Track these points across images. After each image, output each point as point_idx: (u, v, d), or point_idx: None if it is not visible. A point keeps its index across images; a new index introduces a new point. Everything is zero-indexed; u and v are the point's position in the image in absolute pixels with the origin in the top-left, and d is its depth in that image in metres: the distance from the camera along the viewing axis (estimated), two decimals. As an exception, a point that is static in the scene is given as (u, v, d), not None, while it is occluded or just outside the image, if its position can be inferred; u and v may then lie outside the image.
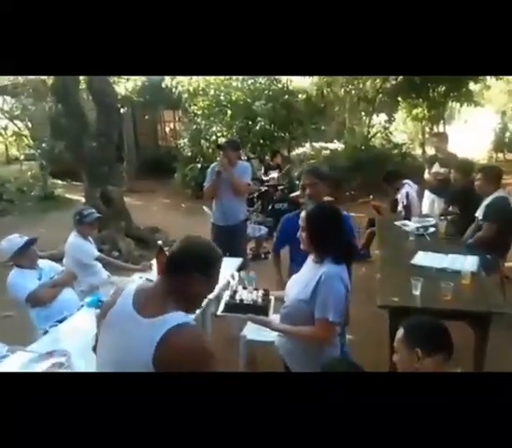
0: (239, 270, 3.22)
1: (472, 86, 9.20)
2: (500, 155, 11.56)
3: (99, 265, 3.25)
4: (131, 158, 10.23)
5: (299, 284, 1.81)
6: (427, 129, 9.37)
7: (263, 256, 5.12)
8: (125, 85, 9.02)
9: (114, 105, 5.79)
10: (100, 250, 3.78)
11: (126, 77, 9.08)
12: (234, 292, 1.83)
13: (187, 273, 1.27)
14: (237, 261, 3.37)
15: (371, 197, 5.19)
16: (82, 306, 2.66)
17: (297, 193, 6.28)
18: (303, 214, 1.81)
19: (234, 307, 1.76)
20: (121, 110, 8.21)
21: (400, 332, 1.50)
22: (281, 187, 6.62)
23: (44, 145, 8.89)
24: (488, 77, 9.07)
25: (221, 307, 1.96)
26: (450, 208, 4.01)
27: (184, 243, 1.33)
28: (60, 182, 9.35)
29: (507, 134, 12.04)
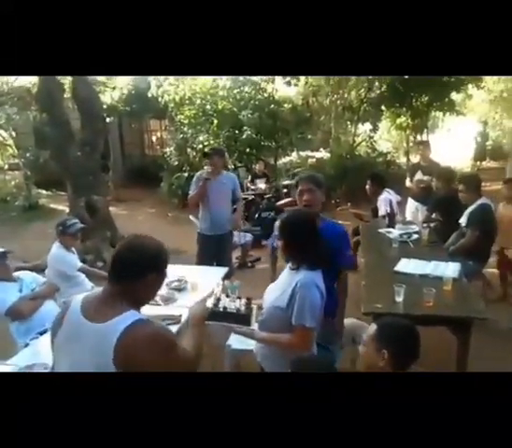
0: (225, 279, 3.22)
1: (454, 95, 9.44)
2: (482, 163, 11.81)
3: (82, 276, 3.22)
4: (117, 167, 10.19)
5: (275, 291, 1.84)
6: (411, 138, 9.54)
7: (249, 264, 5.12)
8: (111, 94, 9.02)
9: (99, 113, 5.79)
10: (84, 261, 3.74)
11: (112, 85, 9.10)
12: (218, 300, 1.84)
13: (144, 275, 1.28)
14: (223, 270, 3.37)
15: (349, 204, 5.24)
16: (64, 318, 2.61)
17: (284, 201, 6.32)
18: (277, 223, 1.83)
19: (218, 315, 1.76)
20: (108, 119, 8.21)
21: (372, 328, 1.53)
22: (268, 195, 6.66)
23: (28, 154, 8.81)
24: (470, 87, 9.31)
25: None
26: (433, 215, 4.07)
27: (133, 245, 1.32)
28: (44, 192, 9.24)
29: (489, 143, 12.34)
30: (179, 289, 2.82)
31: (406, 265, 2.95)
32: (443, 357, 2.53)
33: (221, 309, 1.76)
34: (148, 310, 1.78)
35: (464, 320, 2.38)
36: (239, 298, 1.87)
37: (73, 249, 3.24)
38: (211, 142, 7.77)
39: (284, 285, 1.81)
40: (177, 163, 8.31)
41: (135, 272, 1.28)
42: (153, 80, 8.17)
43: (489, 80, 10.61)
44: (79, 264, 3.23)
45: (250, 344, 2.05)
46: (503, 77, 10.41)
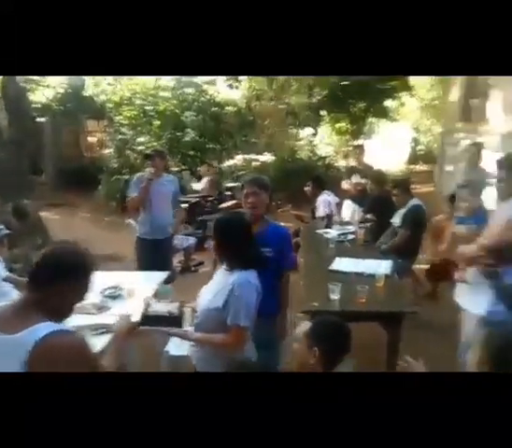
0: (166, 284, 3.14)
1: (389, 103, 10.02)
2: (415, 166, 12.59)
3: (8, 286, 2.99)
4: (50, 169, 9.64)
5: (210, 292, 1.83)
6: (350, 142, 9.96)
7: (192, 269, 5.04)
8: (43, 92, 8.54)
9: (28, 112, 5.46)
10: (12, 270, 3.48)
11: (45, 83, 8.63)
12: (148, 305, 1.80)
13: (61, 282, 1.23)
14: (163, 275, 3.28)
15: (290, 206, 5.36)
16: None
17: (227, 204, 6.28)
18: (211, 224, 1.84)
19: (149, 320, 1.73)
20: (43, 119, 7.76)
21: (306, 325, 1.57)
22: (211, 198, 6.61)
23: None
24: (403, 94, 9.92)
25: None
26: (368, 216, 4.25)
27: (53, 252, 1.29)
28: (-31, 196, 8.54)
29: (421, 147, 13.20)
30: (114, 297, 2.70)
31: (340, 264, 3.05)
32: (375, 351, 2.63)
33: (152, 313, 1.73)
34: (80, 319, 1.70)
35: (395, 315, 2.49)
36: (171, 301, 1.85)
37: (-2, 257, 3.01)
38: (153, 144, 7.59)
39: (219, 285, 1.81)
40: (116, 165, 8.03)
41: (51, 279, 1.22)
42: (90, 79, 7.85)
43: (420, 89, 11.36)
44: (5, 273, 3.00)
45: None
46: (434, 86, 11.17)
